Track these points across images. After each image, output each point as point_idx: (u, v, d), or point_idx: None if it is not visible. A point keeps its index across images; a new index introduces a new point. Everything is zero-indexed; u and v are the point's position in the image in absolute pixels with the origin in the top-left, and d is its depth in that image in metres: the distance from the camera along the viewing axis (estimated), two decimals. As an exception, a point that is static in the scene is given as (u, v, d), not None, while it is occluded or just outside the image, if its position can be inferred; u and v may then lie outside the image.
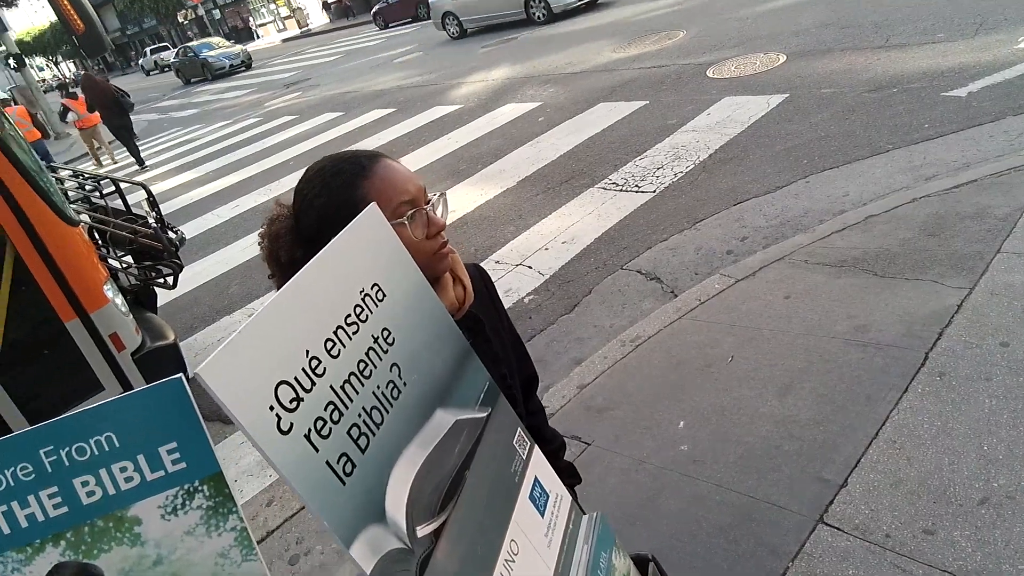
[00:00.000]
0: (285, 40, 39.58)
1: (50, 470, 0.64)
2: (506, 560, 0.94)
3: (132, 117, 13.17)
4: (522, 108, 8.80)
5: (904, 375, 2.59)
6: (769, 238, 4.13)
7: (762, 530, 2.18)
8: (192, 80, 29.77)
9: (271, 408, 0.70)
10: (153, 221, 4.22)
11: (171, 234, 4.29)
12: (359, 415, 0.80)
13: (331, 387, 0.78)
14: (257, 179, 9.31)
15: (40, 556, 0.65)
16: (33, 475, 0.63)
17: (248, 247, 6.40)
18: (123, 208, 4.49)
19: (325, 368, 0.78)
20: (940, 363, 2.59)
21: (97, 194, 4.62)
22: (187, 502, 0.67)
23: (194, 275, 5.98)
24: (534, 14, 15.69)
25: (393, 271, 0.95)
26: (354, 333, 0.84)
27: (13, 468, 0.63)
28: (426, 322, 0.98)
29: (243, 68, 28.07)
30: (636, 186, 5.45)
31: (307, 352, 0.77)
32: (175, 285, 4.17)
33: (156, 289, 4.44)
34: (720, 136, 5.93)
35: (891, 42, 7.01)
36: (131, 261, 4.37)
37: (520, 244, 5.06)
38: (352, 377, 0.81)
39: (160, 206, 4.75)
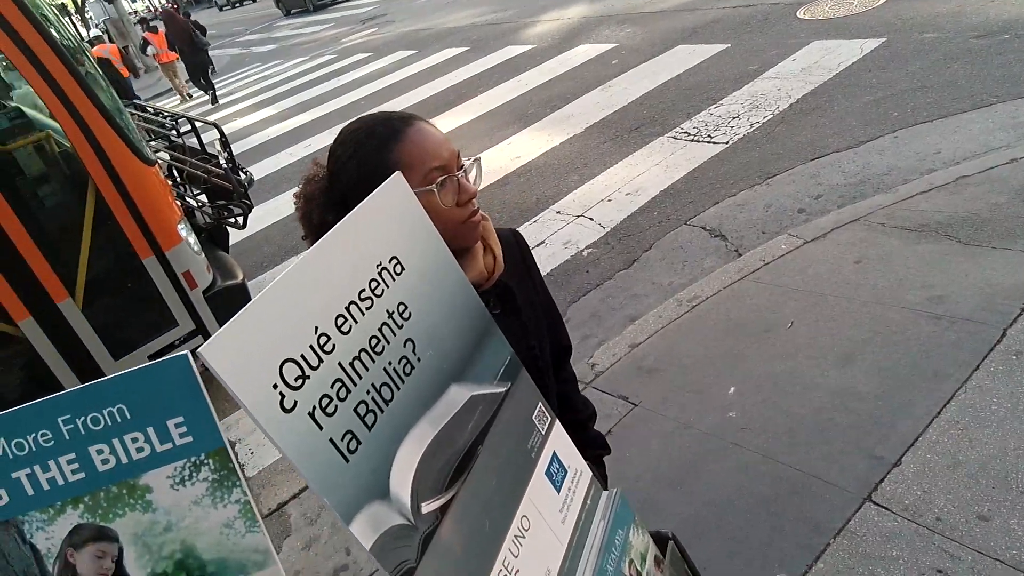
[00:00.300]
0: (363, -26, 39.27)
1: (68, 437, 0.68)
2: (515, 536, 0.95)
3: (213, 52, 13.45)
4: (596, 49, 8.51)
5: (977, 352, 2.44)
6: (846, 197, 3.91)
7: (806, 504, 2.13)
8: (292, 11, 27.64)
9: (275, 387, 0.71)
10: (224, 162, 4.35)
11: (241, 175, 4.42)
12: (367, 392, 0.81)
13: (339, 364, 0.79)
14: (330, 118, 9.43)
15: (61, 517, 0.70)
16: (53, 441, 0.68)
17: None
18: (198, 147, 4.64)
19: (334, 345, 0.79)
20: (1019, 341, 2.43)
21: (175, 132, 4.78)
22: (194, 474, 0.70)
23: (266, 213, 6.18)
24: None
25: (415, 243, 0.94)
26: (368, 308, 0.85)
27: (35, 434, 0.67)
28: (447, 296, 0.97)
29: None
30: (708, 136, 5.23)
31: (316, 329, 0.78)
32: (245, 225, 4.32)
33: (228, 228, 4.62)
34: (804, 84, 5.59)
35: (1010, -20, 6.35)
36: (205, 200, 4.54)
37: (583, 194, 4.97)
38: (363, 353, 0.82)
39: (232, 146, 4.88)
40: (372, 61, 12.57)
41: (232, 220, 4.34)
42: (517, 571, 0.93)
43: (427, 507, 0.84)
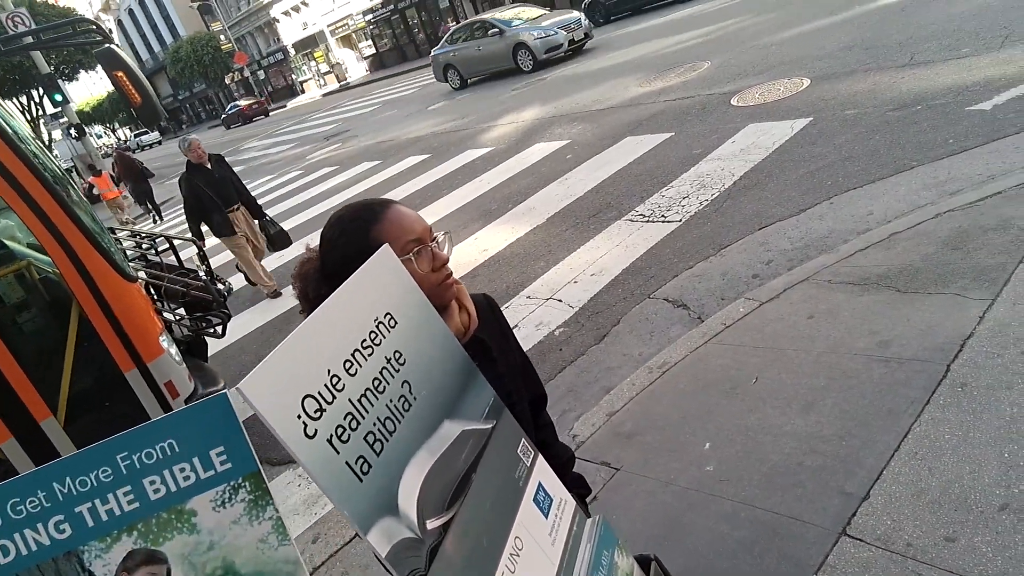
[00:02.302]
0: (325, 95, 41.18)
1: (125, 472, 0.80)
2: (511, 554, 1.07)
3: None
4: (551, 147, 9.04)
5: (926, 388, 2.62)
6: (794, 260, 4.19)
7: (786, 544, 2.23)
8: (468, 82, 18.85)
9: (299, 416, 0.85)
10: (203, 274, 4.50)
11: (219, 286, 4.57)
12: (374, 424, 0.95)
13: (349, 400, 0.93)
14: (301, 229, 9.69)
15: (117, 544, 0.81)
16: (112, 477, 0.79)
17: (290, 296, 6.71)
18: (176, 263, 4.80)
19: (344, 384, 0.94)
20: (962, 374, 2.62)
21: (152, 252, 4.95)
22: (233, 496, 0.82)
23: (243, 324, 6.29)
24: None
25: (404, 301, 1.11)
26: (370, 355, 1.00)
27: (96, 472, 0.79)
28: (434, 345, 1.13)
29: (570, 52, 16.55)
30: (662, 216, 5.57)
31: (328, 371, 0.92)
32: (224, 334, 4.43)
33: (207, 339, 4.71)
34: (744, 163, 6.03)
35: (916, 59, 7.04)
36: (184, 313, 4.66)
37: (550, 279, 5.21)
38: (368, 392, 0.96)
39: (210, 259, 5.05)
40: (338, 174, 13.07)
41: (211, 330, 4.45)
42: (515, 585, 1.04)
43: (431, 524, 0.96)
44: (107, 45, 3.30)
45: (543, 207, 6.84)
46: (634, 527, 2.55)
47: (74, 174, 21.11)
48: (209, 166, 6.65)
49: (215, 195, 6.56)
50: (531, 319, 4.71)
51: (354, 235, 1.27)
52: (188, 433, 0.80)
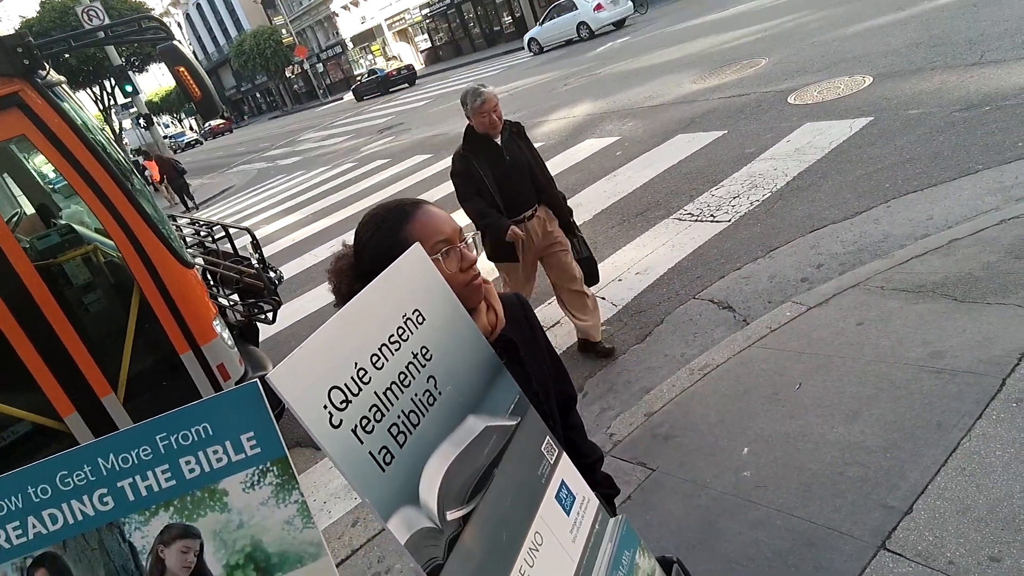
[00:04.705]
0: (380, 88, 41.65)
1: (163, 452, 0.85)
2: (530, 548, 1.09)
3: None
4: (601, 143, 8.98)
5: (978, 401, 2.53)
6: (845, 264, 4.08)
7: (822, 555, 2.19)
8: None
9: (324, 407, 0.89)
10: (255, 262, 4.65)
11: (271, 274, 4.71)
12: (399, 416, 0.98)
13: (375, 393, 0.96)
14: (353, 220, 9.89)
15: (155, 519, 0.86)
16: (151, 455, 0.85)
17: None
18: (231, 251, 4.97)
19: (371, 377, 0.97)
20: (1018, 389, 2.52)
21: (210, 239, 5.13)
22: (261, 479, 0.86)
23: (293, 311, 6.46)
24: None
25: (432, 298, 1.14)
26: (396, 350, 1.03)
27: (137, 450, 0.85)
28: (461, 341, 1.15)
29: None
30: (711, 216, 5.49)
31: (355, 364, 0.96)
32: (274, 320, 4.57)
33: (259, 325, 4.86)
34: (799, 163, 5.88)
35: (986, 58, 6.74)
36: (237, 299, 4.82)
37: (594, 276, 5.18)
38: (393, 385, 1.00)
39: (263, 248, 5.21)
40: (390, 166, 13.27)
41: (263, 316, 4.59)
42: (532, 580, 1.06)
43: (451, 515, 0.99)
44: (170, 41, 3.44)
45: (590, 204, 6.81)
46: (667, 529, 2.54)
47: (141, 159, 22.85)
48: (499, 141, 3.84)
49: (498, 192, 3.81)
50: (574, 316, 4.70)
51: (386, 234, 1.30)
52: (221, 418, 0.85)
